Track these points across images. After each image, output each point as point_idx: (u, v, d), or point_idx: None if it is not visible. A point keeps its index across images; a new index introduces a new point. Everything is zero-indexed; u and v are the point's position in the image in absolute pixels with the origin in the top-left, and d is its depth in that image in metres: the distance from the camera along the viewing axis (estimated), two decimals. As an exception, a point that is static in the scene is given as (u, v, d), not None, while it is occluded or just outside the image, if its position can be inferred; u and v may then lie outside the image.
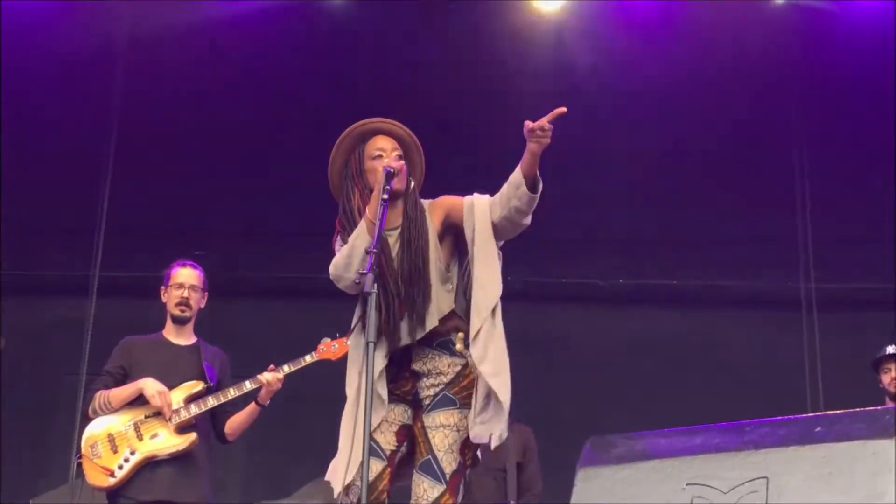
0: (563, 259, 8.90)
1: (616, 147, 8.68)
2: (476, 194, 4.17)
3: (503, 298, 4.07)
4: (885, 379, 6.45)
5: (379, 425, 4.03)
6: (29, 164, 8.57)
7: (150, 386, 5.39)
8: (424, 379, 4.10)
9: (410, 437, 4.14)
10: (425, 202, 4.24)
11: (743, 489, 2.82)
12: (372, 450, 3.93)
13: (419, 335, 4.06)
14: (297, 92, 8.58)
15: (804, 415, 3.09)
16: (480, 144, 8.36)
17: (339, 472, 3.98)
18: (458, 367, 4.08)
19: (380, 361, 3.99)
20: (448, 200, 4.22)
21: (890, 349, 6.47)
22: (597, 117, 8.40)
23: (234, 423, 5.56)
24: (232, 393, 5.43)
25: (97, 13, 8.44)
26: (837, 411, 3.12)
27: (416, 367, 4.11)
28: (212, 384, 5.50)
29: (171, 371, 5.51)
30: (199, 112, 8.66)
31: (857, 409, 3.04)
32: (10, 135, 8.37)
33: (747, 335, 8.76)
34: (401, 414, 4.14)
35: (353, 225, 4.12)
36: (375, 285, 3.81)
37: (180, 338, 5.67)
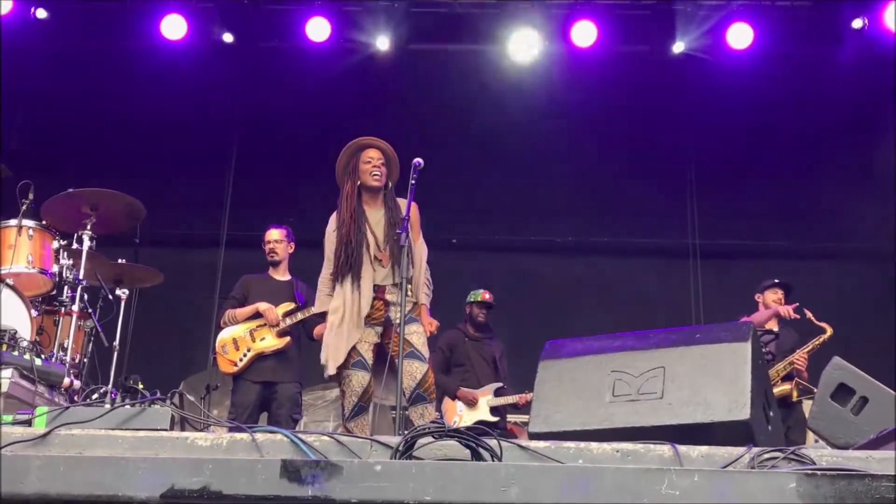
0: (530, 222, 8.88)
1: (570, 150, 8.65)
2: (421, 242, 4.35)
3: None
4: (771, 297, 6.11)
5: (360, 345, 4.17)
6: (173, 160, 8.55)
7: (263, 304, 5.45)
8: (393, 307, 4.16)
9: (380, 350, 4.26)
10: (399, 199, 4.36)
11: (648, 374, 2.81)
12: (362, 364, 4.05)
13: (397, 278, 4.14)
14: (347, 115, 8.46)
15: (688, 326, 3.09)
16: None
17: (333, 359, 4.16)
18: (412, 303, 4.24)
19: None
20: (417, 218, 4.32)
21: (776, 280, 6.22)
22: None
23: (321, 329, 5.56)
24: (313, 309, 5.43)
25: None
26: (711, 324, 3.12)
27: (388, 297, 4.23)
28: (300, 305, 5.52)
29: (274, 297, 5.54)
30: (301, 121, 8.53)
31: (724, 323, 3.04)
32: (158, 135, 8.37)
33: (655, 276, 8.73)
34: (373, 336, 4.21)
35: (347, 204, 4.28)
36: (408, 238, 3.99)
37: (279, 275, 5.69)
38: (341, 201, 4.32)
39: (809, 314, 5.81)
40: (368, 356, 4.19)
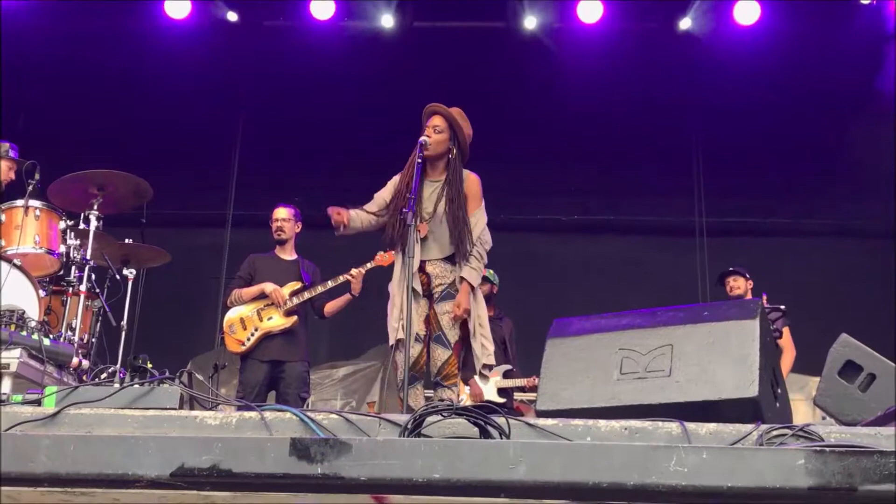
0: (535, 201, 8.86)
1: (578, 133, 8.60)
2: (482, 212, 4.20)
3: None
4: (727, 288, 6.09)
5: (413, 317, 3.98)
6: (179, 140, 8.50)
7: (269, 286, 5.44)
8: (434, 279, 4.12)
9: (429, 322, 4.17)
10: (465, 172, 4.25)
11: (656, 352, 2.79)
12: (416, 336, 3.98)
13: (439, 253, 4.13)
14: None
15: (696, 303, 3.07)
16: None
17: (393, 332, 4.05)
18: (454, 275, 4.13)
19: (415, 266, 4.00)
20: (474, 189, 4.22)
21: (730, 269, 6.22)
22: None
23: (332, 307, 5.57)
24: (319, 289, 5.45)
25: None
26: (719, 301, 3.10)
27: (429, 269, 4.15)
28: (307, 284, 5.52)
29: (280, 276, 5.54)
30: (306, 100, 8.49)
31: (731, 300, 3.02)
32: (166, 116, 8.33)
33: (660, 254, 8.70)
34: (424, 306, 4.14)
35: (406, 172, 4.19)
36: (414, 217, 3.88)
37: (285, 254, 5.69)
38: (405, 167, 4.25)
39: (765, 298, 5.81)
40: (421, 328, 4.12)
